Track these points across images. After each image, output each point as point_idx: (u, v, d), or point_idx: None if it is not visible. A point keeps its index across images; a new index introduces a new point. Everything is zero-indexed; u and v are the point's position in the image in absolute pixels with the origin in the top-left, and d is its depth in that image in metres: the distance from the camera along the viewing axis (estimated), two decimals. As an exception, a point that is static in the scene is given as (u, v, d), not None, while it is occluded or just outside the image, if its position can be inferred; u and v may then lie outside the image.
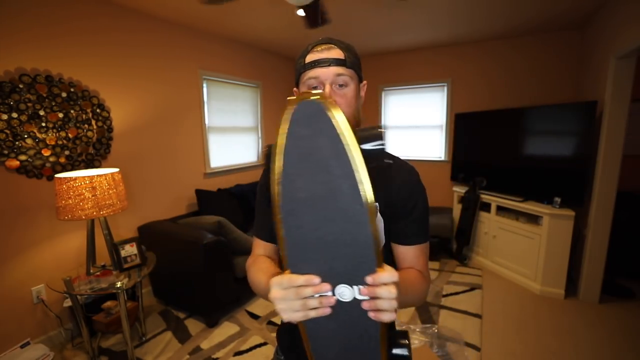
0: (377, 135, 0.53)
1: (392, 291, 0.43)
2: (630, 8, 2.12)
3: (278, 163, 0.44)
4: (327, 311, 0.46)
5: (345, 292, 0.45)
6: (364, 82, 0.77)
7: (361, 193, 0.41)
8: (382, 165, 0.53)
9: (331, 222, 0.43)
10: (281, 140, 0.44)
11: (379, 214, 0.71)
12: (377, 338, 0.42)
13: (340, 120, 0.42)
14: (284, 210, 0.45)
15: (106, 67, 2.35)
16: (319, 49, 0.70)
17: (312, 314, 0.46)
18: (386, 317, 0.44)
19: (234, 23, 2.88)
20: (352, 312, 0.46)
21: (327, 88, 0.68)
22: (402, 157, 0.78)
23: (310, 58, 0.70)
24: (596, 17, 2.73)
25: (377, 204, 0.69)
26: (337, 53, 0.69)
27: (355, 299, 0.45)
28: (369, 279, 0.43)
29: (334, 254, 0.44)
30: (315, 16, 1.95)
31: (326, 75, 0.68)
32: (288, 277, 0.46)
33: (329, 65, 0.68)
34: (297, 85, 0.74)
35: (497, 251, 3.11)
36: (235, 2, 2.40)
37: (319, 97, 0.43)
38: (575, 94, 3.18)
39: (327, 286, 0.45)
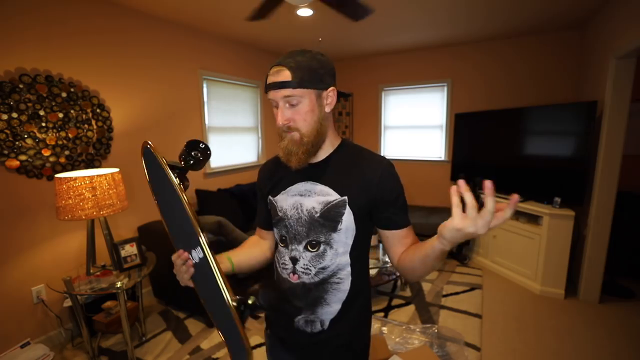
0: (186, 151, 0.76)
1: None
2: (630, 8, 2.12)
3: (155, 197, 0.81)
4: (191, 270, 0.73)
5: (193, 255, 0.70)
6: (330, 89, 0.79)
7: (185, 207, 0.65)
8: (183, 170, 0.75)
9: (180, 221, 0.70)
10: (150, 187, 0.77)
11: (347, 207, 0.78)
12: (216, 283, 0.61)
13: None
14: (165, 217, 0.79)
15: (106, 67, 2.35)
16: (272, 71, 0.76)
17: (186, 275, 0.74)
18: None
19: (234, 23, 2.88)
20: (201, 268, 0.68)
21: (280, 108, 0.77)
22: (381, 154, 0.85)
23: (268, 80, 0.77)
24: (596, 17, 2.73)
25: (345, 197, 0.78)
26: (284, 76, 0.74)
27: (199, 259, 0.68)
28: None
29: (185, 235, 0.71)
30: (355, 9, 1.91)
31: (277, 97, 0.76)
32: (174, 256, 0.75)
33: (278, 89, 0.75)
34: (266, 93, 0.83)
35: (497, 251, 3.11)
36: (235, 2, 2.41)
37: (149, 145, 0.72)
38: (576, 94, 3.18)
39: (185, 254, 0.72)
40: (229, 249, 0.92)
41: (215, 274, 0.61)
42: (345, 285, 0.83)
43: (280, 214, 0.86)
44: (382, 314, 2.46)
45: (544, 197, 2.76)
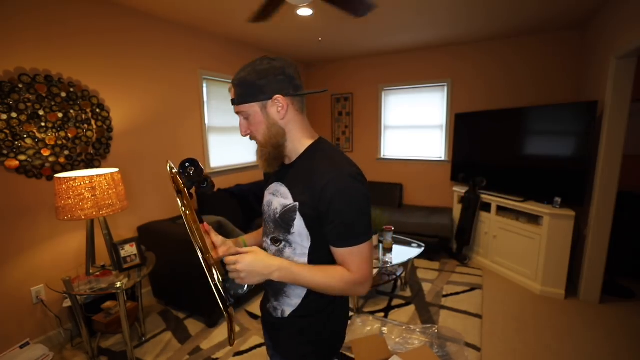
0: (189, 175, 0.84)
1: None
2: (630, 8, 2.12)
3: None
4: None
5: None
6: (274, 97, 0.80)
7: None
8: (198, 185, 0.85)
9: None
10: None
11: (298, 213, 0.80)
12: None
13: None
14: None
15: (106, 67, 2.35)
16: (229, 87, 0.85)
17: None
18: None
19: (234, 23, 2.88)
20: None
21: (240, 122, 0.86)
22: (343, 159, 0.84)
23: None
24: (596, 17, 2.73)
25: (297, 203, 0.81)
26: (232, 93, 0.82)
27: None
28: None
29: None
30: (357, 5, 1.89)
31: (236, 112, 0.85)
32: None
33: (233, 105, 0.83)
34: None
35: (497, 251, 3.11)
36: (235, 2, 2.40)
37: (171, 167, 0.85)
38: (576, 94, 3.18)
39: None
40: None
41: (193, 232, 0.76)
42: None
43: (263, 208, 0.95)
44: (382, 314, 2.46)
45: (544, 197, 2.75)
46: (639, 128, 2.92)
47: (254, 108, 0.81)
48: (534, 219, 2.79)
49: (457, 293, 2.74)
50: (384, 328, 2.26)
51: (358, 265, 0.78)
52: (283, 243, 0.86)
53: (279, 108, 0.81)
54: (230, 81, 3.44)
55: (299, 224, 0.81)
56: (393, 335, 2.17)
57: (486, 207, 3.21)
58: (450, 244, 3.53)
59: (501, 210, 3.07)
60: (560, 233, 2.56)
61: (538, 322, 2.32)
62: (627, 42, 2.10)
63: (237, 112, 0.84)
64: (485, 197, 3.19)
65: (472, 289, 2.80)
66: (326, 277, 0.79)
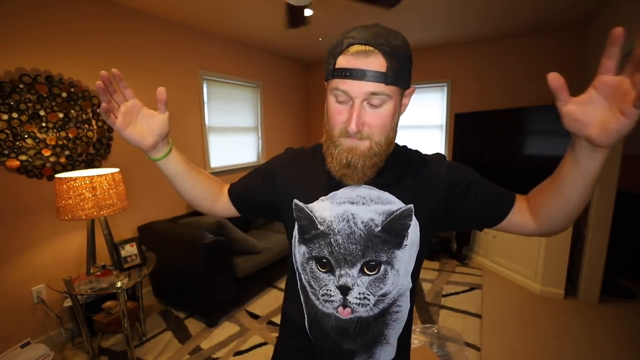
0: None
1: None
2: (629, 8, 2.12)
3: None
4: None
5: None
6: (411, 88, 0.63)
7: None
8: None
9: None
10: None
11: (414, 217, 0.64)
12: None
13: None
14: None
15: (106, 67, 2.32)
16: (354, 51, 0.55)
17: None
18: None
19: (234, 23, 2.88)
20: None
21: (356, 107, 0.56)
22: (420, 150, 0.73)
23: (341, 63, 0.56)
24: (595, 17, 2.73)
25: (411, 205, 0.64)
26: (377, 63, 0.54)
27: None
28: None
29: None
30: (296, 17, 1.90)
31: (357, 91, 0.56)
32: None
33: (365, 80, 0.54)
34: (326, 79, 0.62)
35: (497, 251, 3.11)
36: (235, 2, 2.41)
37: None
38: (575, 94, 3.17)
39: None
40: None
41: None
42: (404, 313, 0.68)
43: (321, 227, 0.65)
44: (382, 313, 2.46)
45: (543, 197, 2.75)
46: (638, 128, 2.92)
47: (397, 95, 0.59)
48: (534, 219, 2.79)
49: (457, 293, 2.75)
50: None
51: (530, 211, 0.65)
52: (383, 267, 0.63)
53: (406, 103, 0.64)
54: (228, 80, 3.45)
55: (413, 231, 0.64)
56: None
57: (486, 207, 3.21)
58: (450, 243, 3.53)
59: (501, 210, 3.07)
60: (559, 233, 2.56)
61: (537, 321, 2.33)
62: (626, 42, 2.10)
63: (368, 93, 0.55)
64: (485, 197, 3.19)
65: (471, 289, 2.80)
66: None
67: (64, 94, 2.10)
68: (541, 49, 3.31)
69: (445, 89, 3.87)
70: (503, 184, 0.71)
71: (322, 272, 0.66)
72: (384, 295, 0.64)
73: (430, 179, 0.66)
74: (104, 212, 1.77)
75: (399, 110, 0.62)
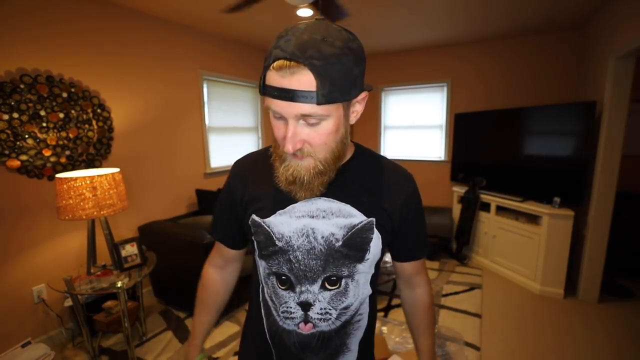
0: None
1: None
2: (630, 8, 2.12)
3: None
4: None
5: None
6: (362, 95, 0.56)
7: None
8: None
9: None
10: None
11: (375, 231, 0.62)
12: None
13: None
14: None
15: (107, 68, 2.35)
16: (278, 67, 0.49)
17: None
18: None
19: (234, 23, 2.88)
20: None
21: (290, 128, 0.52)
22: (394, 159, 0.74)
23: (269, 79, 0.51)
24: (596, 17, 2.73)
25: (372, 218, 0.61)
26: (306, 82, 0.48)
27: None
28: None
29: None
30: (332, 10, 1.87)
31: (288, 112, 0.51)
32: None
33: (292, 101, 0.49)
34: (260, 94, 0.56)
35: (496, 251, 3.12)
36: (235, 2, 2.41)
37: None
38: (575, 94, 3.18)
39: None
40: None
41: None
42: (365, 319, 0.68)
43: (280, 243, 0.62)
44: (381, 313, 2.47)
45: (543, 197, 2.76)
46: (637, 128, 2.93)
47: (338, 111, 0.53)
48: (533, 219, 2.80)
49: (457, 293, 2.75)
50: (383, 327, 2.27)
51: (427, 274, 0.76)
52: (344, 281, 0.62)
53: (360, 107, 0.58)
54: (228, 81, 3.46)
55: (375, 245, 0.62)
56: (393, 335, 2.17)
57: (485, 207, 3.22)
58: (449, 243, 3.54)
59: (500, 210, 3.08)
60: (559, 233, 2.57)
61: (537, 321, 2.33)
62: (626, 42, 2.11)
63: (299, 115, 0.51)
64: (485, 197, 3.20)
65: (471, 289, 2.80)
66: (432, 317, 0.77)
67: (65, 94, 2.10)
68: (542, 48, 3.31)
69: (445, 88, 3.87)
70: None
71: (282, 289, 0.64)
72: (345, 308, 0.64)
73: (394, 193, 0.64)
74: (105, 212, 1.77)
75: (344, 121, 0.56)
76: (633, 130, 2.86)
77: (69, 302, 2.07)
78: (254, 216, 0.65)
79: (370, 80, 4.30)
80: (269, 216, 0.63)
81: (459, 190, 3.53)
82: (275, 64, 0.49)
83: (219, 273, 0.83)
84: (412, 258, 0.71)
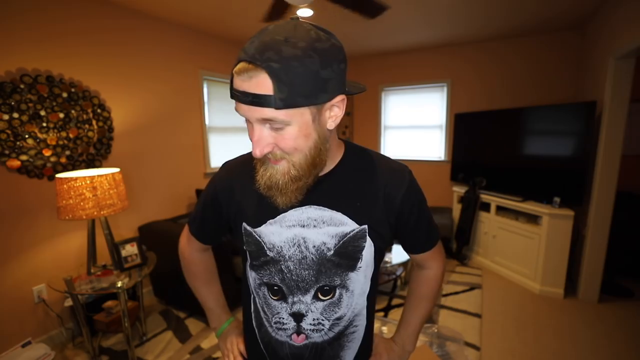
0: None
1: None
2: (629, 8, 2.12)
3: None
4: None
5: None
6: (337, 99, 0.53)
7: None
8: None
9: None
10: None
11: (368, 238, 0.61)
12: None
13: None
14: None
15: (107, 68, 2.35)
16: (238, 70, 0.48)
17: None
18: None
19: (234, 23, 2.88)
20: None
21: (255, 132, 0.51)
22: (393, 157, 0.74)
23: (234, 82, 0.50)
24: (595, 17, 2.73)
25: (365, 226, 0.60)
26: (263, 85, 0.46)
27: None
28: None
29: None
30: (370, 7, 1.81)
31: (251, 116, 0.50)
32: None
33: (250, 104, 0.48)
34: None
35: (496, 251, 3.12)
36: (235, 2, 2.41)
37: None
38: (575, 94, 3.19)
39: None
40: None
41: None
42: (360, 332, 0.67)
43: (271, 253, 0.61)
44: (382, 313, 2.47)
45: (543, 197, 2.76)
46: (637, 128, 2.93)
47: (303, 116, 0.50)
48: (533, 219, 2.80)
49: (457, 292, 2.75)
50: (383, 327, 2.27)
51: (440, 253, 0.76)
52: (338, 291, 0.61)
53: (337, 111, 0.55)
54: (228, 81, 3.45)
55: (368, 252, 0.61)
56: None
57: (486, 206, 3.22)
58: (449, 243, 3.54)
59: (500, 210, 3.08)
60: (559, 233, 2.57)
61: (537, 321, 2.33)
62: (626, 42, 2.11)
63: (259, 119, 0.50)
64: (485, 197, 3.20)
65: (471, 289, 2.80)
66: (432, 298, 0.78)
67: (65, 94, 2.10)
68: (542, 49, 3.31)
69: (445, 88, 3.87)
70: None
71: (274, 299, 0.63)
72: (339, 318, 0.63)
73: (386, 199, 0.62)
74: (105, 212, 1.77)
75: (316, 127, 0.52)
76: (633, 130, 2.86)
77: (69, 302, 2.08)
78: (245, 224, 0.64)
79: (370, 80, 4.31)
80: (260, 226, 0.62)
81: (459, 190, 3.53)
82: (236, 67, 0.49)
83: (200, 254, 0.87)
84: (423, 250, 0.72)
